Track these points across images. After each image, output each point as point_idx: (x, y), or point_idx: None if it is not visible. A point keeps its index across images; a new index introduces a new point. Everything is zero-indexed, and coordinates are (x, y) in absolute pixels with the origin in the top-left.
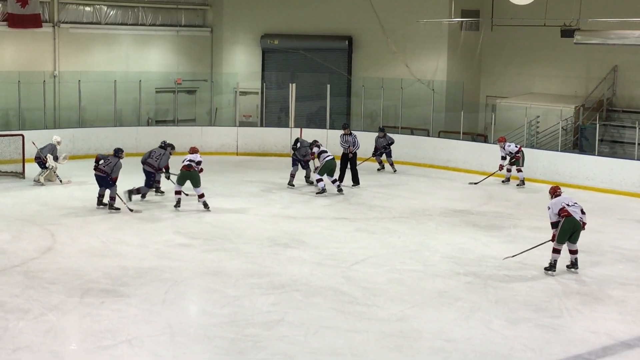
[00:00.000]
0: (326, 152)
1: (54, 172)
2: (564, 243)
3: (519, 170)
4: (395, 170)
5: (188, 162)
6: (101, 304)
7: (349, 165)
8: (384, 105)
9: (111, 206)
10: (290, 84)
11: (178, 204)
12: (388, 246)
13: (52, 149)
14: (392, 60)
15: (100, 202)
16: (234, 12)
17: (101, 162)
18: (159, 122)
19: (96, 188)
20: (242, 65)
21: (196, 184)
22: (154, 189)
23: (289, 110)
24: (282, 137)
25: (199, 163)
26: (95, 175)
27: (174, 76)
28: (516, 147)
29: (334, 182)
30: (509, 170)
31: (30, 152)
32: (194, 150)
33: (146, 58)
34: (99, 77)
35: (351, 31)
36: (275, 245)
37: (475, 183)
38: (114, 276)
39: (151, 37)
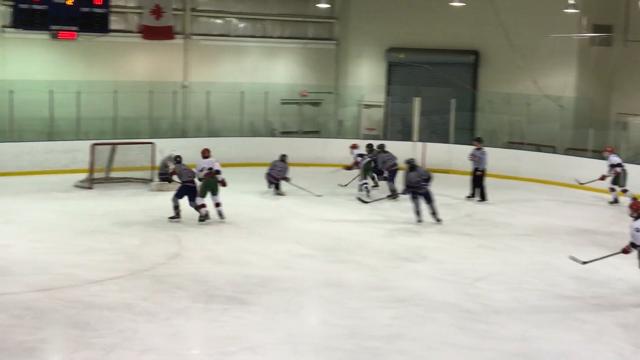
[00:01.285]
0: (363, 155)
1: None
2: None
3: (624, 191)
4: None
5: (208, 170)
6: (225, 311)
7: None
8: (509, 120)
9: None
10: (415, 98)
11: (207, 217)
12: (511, 264)
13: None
14: (519, 75)
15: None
16: (360, 26)
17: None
18: (284, 134)
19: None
20: (367, 78)
21: (216, 192)
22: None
23: (413, 124)
24: (406, 150)
25: (218, 172)
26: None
27: (299, 88)
28: (618, 160)
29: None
30: (612, 190)
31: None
32: (207, 153)
33: (273, 70)
34: (227, 88)
35: (478, 45)
36: (396, 259)
37: (582, 183)
38: (237, 284)
39: (278, 49)
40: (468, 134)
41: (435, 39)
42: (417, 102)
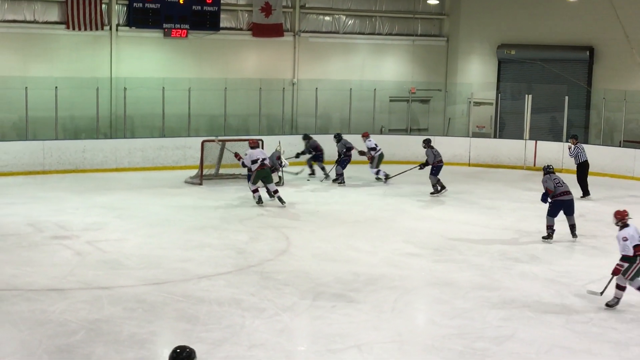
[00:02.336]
0: (377, 146)
1: (279, 175)
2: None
3: None
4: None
5: (262, 161)
6: (332, 308)
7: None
8: (625, 118)
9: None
10: (526, 95)
11: (261, 200)
12: None
13: (277, 155)
14: (636, 71)
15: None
16: (471, 22)
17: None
18: (392, 131)
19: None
20: (477, 75)
21: (269, 180)
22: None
23: (524, 122)
24: (516, 149)
25: (271, 166)
26: None
27: (408, 85)
28: None
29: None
30: None
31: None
32: (256, 144)
33: (381, 67)
34: (335, 85)
35: (593, 41)
36: (506, 259)
37: None
38: (344, 281)
39: (387, 46)
40: (582, 132)
41: (548, 34)
42: (528, 100)
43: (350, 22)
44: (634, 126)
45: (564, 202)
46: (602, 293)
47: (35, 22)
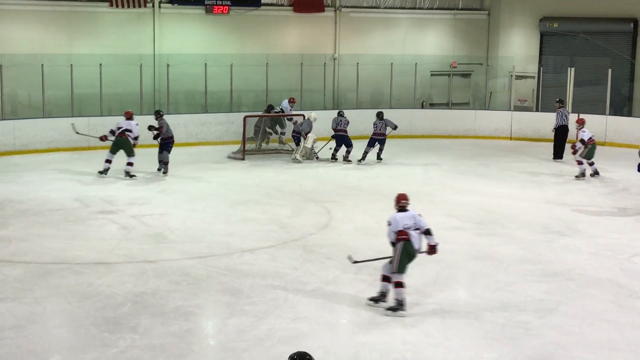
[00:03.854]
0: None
1: (312, 149)
2: (404, 273)
3: (579, 163)
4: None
5: (124, 130)
6: (374, 282)
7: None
8: None
9: None
10: (569, 68)
11: (105, 172)
12: None
13: (309, 125)
14: None
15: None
16: None
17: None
18: (433, 105)
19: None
20: (518, 48)
21: (129, 152)
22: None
23: (567, 95)
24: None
25: (136, 138)
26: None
27: (449, 59)
28: (589, 136)
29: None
30: (579, 163)
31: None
32: (130, 116)
33: (422, 41)
34: (376, 60)
35: (636, 13)
36: (548, 233)
37: None
38: (387, 255)
39: (428, 20)
40: (625, 105)
41: (590, 7)
42: (571, 73)
43: None
44: None
45: None
46: (355, 262)
47: (79, 0)
